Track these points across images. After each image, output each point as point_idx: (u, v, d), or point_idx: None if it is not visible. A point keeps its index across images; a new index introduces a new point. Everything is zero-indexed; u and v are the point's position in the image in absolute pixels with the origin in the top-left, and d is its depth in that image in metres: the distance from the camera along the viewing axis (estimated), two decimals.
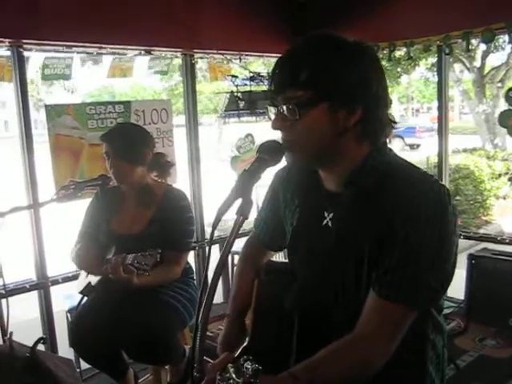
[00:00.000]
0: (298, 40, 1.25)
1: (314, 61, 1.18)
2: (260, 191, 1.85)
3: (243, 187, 1.13)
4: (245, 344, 1.40)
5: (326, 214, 1.32)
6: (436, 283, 1.18)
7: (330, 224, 1.31)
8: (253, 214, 1.26)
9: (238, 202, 1.13)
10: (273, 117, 1.26)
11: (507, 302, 3.49)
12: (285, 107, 1.20)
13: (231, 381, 1.00)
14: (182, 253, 2.51)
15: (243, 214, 1.10)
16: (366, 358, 1.17)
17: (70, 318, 3.55)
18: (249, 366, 1.02)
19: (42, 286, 3.47)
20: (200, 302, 1.06)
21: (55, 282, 3.52)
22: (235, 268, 1.63)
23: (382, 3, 3.97)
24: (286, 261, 1.47)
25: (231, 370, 1.03)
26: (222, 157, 18.95)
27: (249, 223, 1.28)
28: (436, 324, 1.33)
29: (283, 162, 1.28)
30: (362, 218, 1.23)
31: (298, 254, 1.40)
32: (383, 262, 1.18)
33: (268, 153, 1.21)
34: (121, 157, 2.44)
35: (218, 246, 4.97)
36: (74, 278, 3.54)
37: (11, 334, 1.18)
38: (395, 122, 1.31)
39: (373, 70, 1.23)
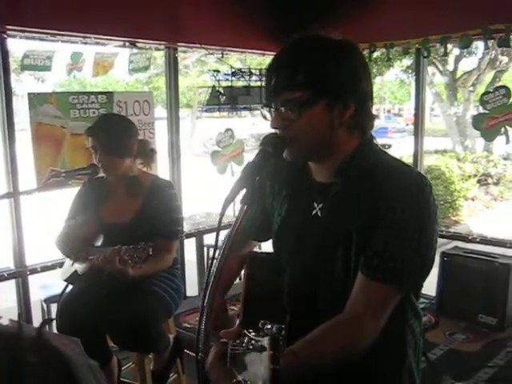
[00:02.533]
0: (289, 41, 1.31)
1: (309, 61, 1.24)
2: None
3: (247, 178, 1.18)
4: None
5: (315, 205, 1.38)
6: (420, 267, 1.26)
7: (319, 214, 1.37)
8: None
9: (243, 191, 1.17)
10: (268, 115, 1.32)
11: (477, 299, 3.61)
12: (283, 108, 1.26)
13: (252, 342, 0.97)
14: (171, 240, 2.55)
15: (247, 203, 1.15)
16: (356, 335, 1.23)
17: (46, 308, 3.56)
18: (270, 326, 1.02)
19: (20, 274, 3.46)
20: (206, 285, 1.11)
21: (34, 271, 3.51)
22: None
23: (365, 4, 4.04)
24: (269, 251, 1.52)
25: (250, 334, 1.00)
26: (195, 151, 18.99)
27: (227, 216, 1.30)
28: (415, 310, 1.41)
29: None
30: (349, 206, 1.29)
31: (286, 243, 1.45)
32: (370, 246, 1.25)
33: (271, 145, 1.25)
34: (109, 151, 2.46)
35: (194, 238, 5.06)
36: (53, 267, 3.54)
37: (20, 314, 1.20)
38: (376, 116, 1.40)
39: (361, 66, 1.30)
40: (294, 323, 1.27)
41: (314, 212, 1.38)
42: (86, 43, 3.58)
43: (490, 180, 10.11)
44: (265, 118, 1.33)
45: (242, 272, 1.59)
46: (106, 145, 2.45)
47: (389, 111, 35.57)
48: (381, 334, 1.24)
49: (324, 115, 1.25)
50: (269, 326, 0.97)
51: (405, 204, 1.23)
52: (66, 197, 2.79)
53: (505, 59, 11.33)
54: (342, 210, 1.31)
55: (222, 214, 1.14)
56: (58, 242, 2.53)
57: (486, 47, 3.94)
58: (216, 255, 1.14)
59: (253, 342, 0.95)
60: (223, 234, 1.20)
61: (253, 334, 0.97)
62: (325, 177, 1.37)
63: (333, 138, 1.29)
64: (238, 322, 1.46)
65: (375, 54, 4.74)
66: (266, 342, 0.91)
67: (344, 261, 1.30)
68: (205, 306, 1.10)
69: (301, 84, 1.23)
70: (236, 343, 1.00)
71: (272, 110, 1.30)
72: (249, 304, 1.39)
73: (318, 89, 1.23)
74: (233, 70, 4.70)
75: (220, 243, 1.16)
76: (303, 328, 1.23)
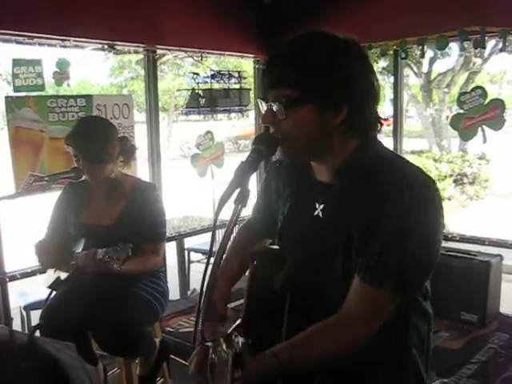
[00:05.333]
0: (289, 38, 1.30)
1: (302, 62, 1.24)
2: None
3: (241, 178, 1.18)
4: (237, 323, 1.44)
5: (317, 205, 1.38)
6: (418, 269, 1.24)
7: (320, 214, 1.37)
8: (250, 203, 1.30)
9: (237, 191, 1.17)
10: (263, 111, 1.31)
11: (458, 296, 3.66)
12: (274, 104, 1.26)
13: (222, 352, 1.03)
14: (158, 243, 2.54)
15: (241, 202, 1.15)
16: (345, 338, 1.23)
17: (25, 315, 3.50)
18: (238, 340, 1.06)
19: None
20: (202, 288, 1.10)
21: (13, 278, 3.44)
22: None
23: (342, 7, 4.07)
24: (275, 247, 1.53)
25: (222, 342, 1.06)
26: (171, 155, 18.89)
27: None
28: (421, 309, 1.39)
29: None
30: (350, 207, 1.28)
31: (288, 242, 1.46)
32: (369, 248, 1.23)
33: (264, 144, 1.25)
34: (91, 160, 2.44)
35: (174, 242, 5.03)
36: (33, 273, 3.48)
37: (11, 320, 1.17)
38: (382, 118, 1.37)
39: (359, 68, 1.27)
40: (292, 322, 1.28)
41: (316, 213, 1.38)
42: (64, 46, 3.53)
43: (465, 180, 10.25)
44: (262, 113, 1.33)
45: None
46: (88, 153, 2.43)
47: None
48: (379, 334, 1.24)
49: (312, 117, 1.25)
50: (237, 340, 1.02)
51: (406, 205, 1.20)
52: (45, 201, 2.75)
53: (478, 61, 11.51)
54: (343, 211, 1.31)
55: (217, 214, 1.14)
56: (38, 250, 2.50)
57: (462, 48, 4.00)
58: (212, 256, 1.13)
59: (222, 353, 1.01)
60: (207, 235, 1.21)
61: (224, 342, 1.03)
62: (325, 176, 1.37)
63: (325, 141, 1.29)
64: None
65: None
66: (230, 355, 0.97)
67: (344, 263, 1.29)
68: (201, 308, 1.09)
69: (291, 83, 1.23)
70: (214, 348, 1.05)
71: (266, 105, 1.30)
72: (250, 304, 1.40)
73: (307, 89, 1.23)
74: (212, 73, 4.69)
75: (202, 247, 1.16)
76: (300, 327, 1.23)
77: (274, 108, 1.26)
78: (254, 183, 4.93)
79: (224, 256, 1.64)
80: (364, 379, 1.33)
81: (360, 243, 1.25)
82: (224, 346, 1.04)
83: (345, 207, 1.30)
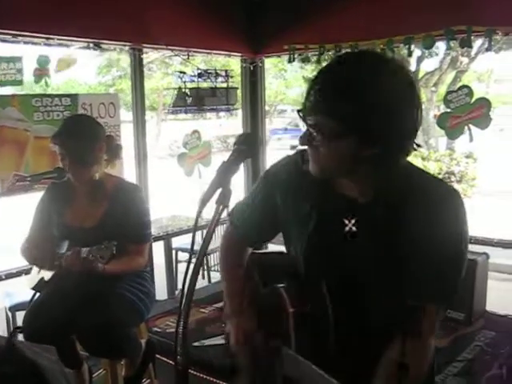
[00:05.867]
0: (343, 59, 1.28)
1: (355, 93, 1.16)
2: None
3: (222, 178, 1.17)
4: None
5: (346, 222, 1.36)
6: (459, 283, 1.31)
7: (354, 229, 1.35)
8: (232, 203, 1.29)
9: (218, 191, 1.16)
10: (302, 123, 1.27)
11: None
12: (315, 130, 1.22)
13: None
14: (142, 244, 2.52)
15: (223, 203, 1.14)
16: (425, 357, 1.33)
17: (10, 316, 3.47)
18: None
19: None
20: (183, 289, 1.09)
21: None
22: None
23: (330, 6, 4.07)
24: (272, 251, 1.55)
25: None
26: (160, 154, 18.84)
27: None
28: None
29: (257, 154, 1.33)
30: (392, 227, 1.27)
31: (320, 260, 1.41)
32: (419, 271, 1.27)
33: (245, 144, 1.25)
34: (77, 161, 2.41)
35: (162, 242, 5.01)
36: (18, 274, 3.45)
37: None
38: (419, 146, 1.32)
39: (409, 102, 1.21)
40: (339, 340, 1.33)
41: (347, 228, 1.36)
42: (49, 45, 3.50)
43: (453, 178, 10.32)
44: (304, 122, 1.27)
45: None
46: (75, 154, 2.40)
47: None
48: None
49: (349, 149, 1.21)
50: None
51: (446, 225, 1.25)
52: (29, 202, 2.72)
53: (465, 60, 11.60)
54: (382, 229, 1.29)
55: (199, 215, 1.13)
56: (23, 252, 2.48)
57: (448, 47, 4.02)
58: (193, 258, 1.12)
59: None
60: (197, 234, 1.20)
61: None
62: (354, 191, 1.33)
63: (357, 168, 1.26)
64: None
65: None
66: None
67: (391, 278, 1.30)
68: (182, 309, 1.08)
69: (338, 116, 1.18)
70: None
71: (305, 123, 1.25)
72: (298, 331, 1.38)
73: (353, 127, 1.18)
74: (199, 72, 4.67)
75: (195, 245, 1.15)
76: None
77: (315, 133, 1.22)
78: (241, 184, 4.97)
79: (224, 267, 1.66)
80: None
81: (406, 262, 1.27)
82: None
83: (385, 225, 1.29)
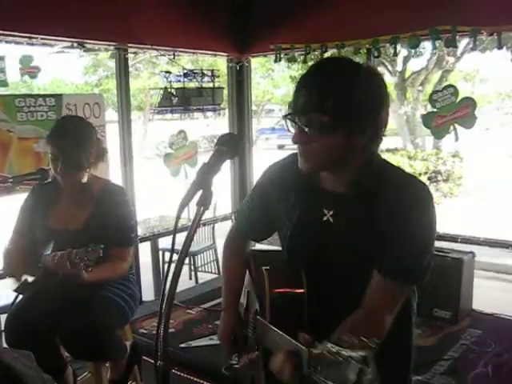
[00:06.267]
0: (321, 62, 1.48)
1: (340, 92, 1.31)
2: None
3: (203, 179, 1.17)
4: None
5: (325, 211, 1.47)
6: (427, 263, 1.40)
7: (330, 220, 1.46)
8: (212, 205, 1.29)
9: (199, 193, 1.15)
10: (290, 129, 1.38)
11: (431, 294, 3.65)
12: (307, 127, 1.33)
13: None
14: (126, 248, 2.48)
15: (204, 204, 1.14)
16: (375, 330, 1.30)
17: None
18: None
19: None
20: (163, 292, 1.07)
21: None
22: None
23: (316, 6, 4.07)
24: (270, 248, 1.65)
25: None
26: (147, 154, 18.77)
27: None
28: (415, 293, 1.60)
29: (240, 154, 1.36)
30: (366, 214, 1.39)
31: (299, 247, 1.52)
32: (387, 250, 1.36)
33: (226, 145, 1.25)
34: (71, 163, 2.38)
35: (148, 242, 4.99)
36: (1, 276, 3.40)
37: None
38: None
39: (384, 96, 1.39)
40: (312, 320, 1.40)
41: (325, 218, 1.47)
42: (32, 44, 3.46)
43: (439, 177, 10.39)
44: (288, 130, 1.40)
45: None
46: (69, 156, 2.36)
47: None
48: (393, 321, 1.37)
49: (342, 141, 1.33)
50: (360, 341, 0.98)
51: (416, 207, 1.35)
52: (14, 203, 2.68)
53: (451, 59, 11.67)
54: (356, 217, 1.40)
55: (178, 217, 1.12)
56: (5, 256, 2.44)
57: (434, 47, 4.03)
58: (173, 259, 1.11)
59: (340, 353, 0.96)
60: (179, 236, 1.19)
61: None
62: (334, 186, 1.45)
63: (346, 158, 1.38)
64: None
65: (326, 55, 4.77)
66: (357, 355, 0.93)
67: (364, 266, 1.39)
68: (162, 311, 1.06)
69: (326, 110, 1.29)
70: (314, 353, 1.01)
71: (295, 125, 1.36)
72: (274, 306, 1.45)
73: (341, 119, 1.30)
74: (185, 71, 4.65)
75: (176, 247, 1.14)
76: (321, 323, 1.33)
77: (307, 130, 1.33)
78: (228, 185, 4.96)
79: (225, 264, 1.78)
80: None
81: (378, 246, 1.37)
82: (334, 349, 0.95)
83: (360, 214, 1.40)
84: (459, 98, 3.79)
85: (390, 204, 1.35)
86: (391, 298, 1.39)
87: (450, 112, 3.80)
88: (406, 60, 12.32)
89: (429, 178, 10.01)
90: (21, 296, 2.44)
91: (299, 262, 1.51)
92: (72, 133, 2.42)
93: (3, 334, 2.35)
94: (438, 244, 4.04)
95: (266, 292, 1.45)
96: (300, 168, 1.40)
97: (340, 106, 1.29)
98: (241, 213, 1.73)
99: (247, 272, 1.69)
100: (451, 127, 3.82)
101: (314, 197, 1.48)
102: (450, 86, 3.97)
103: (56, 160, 2.38)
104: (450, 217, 8.49)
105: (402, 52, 11.35)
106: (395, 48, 4.02)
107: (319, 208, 1.48)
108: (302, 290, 1.45)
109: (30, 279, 2.33)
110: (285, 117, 1.39)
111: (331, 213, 1.46)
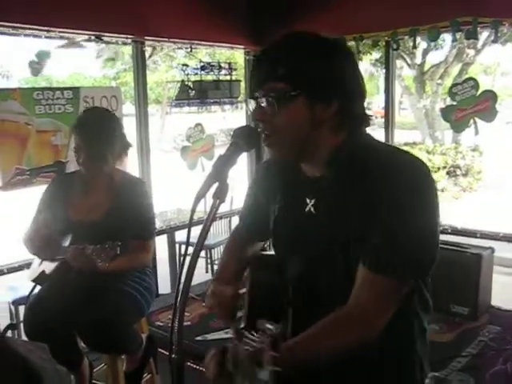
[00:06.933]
0: (276, 37, 1.30)
1: (292, 56, 1.24)
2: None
3: (219, 172, 1.15)
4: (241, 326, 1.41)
5: (307, 201, 1.36)
6: (422, 255, 1.23)
7: (312, 210, 1.35)
8: (228, 198, 1.27)
9: (215, 186, 1.14)
10: (252, 108, 1.31)
11: (449, 289, 3.62)
12: (264, 100, 1.25)
13: (250, 341, 0.96)
14: (147, 240, 2.50)
15: (220, 197, 1.12)
16: (361, 333, 1.21)
17: (13, 310, 3.47)
18: (270, 326, 0.97)
19: None
20: (178, 285, 1.07)
21: (0, 273, 3.41)
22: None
23: None
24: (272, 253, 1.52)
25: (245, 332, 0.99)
26: (164, 147, 18.84)
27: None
28: (423, 300, 1.39)
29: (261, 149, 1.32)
30: (344, 198, 1.27)
31: (283, 241, 1.44)
32: (370, 238, 1.22)
33: (242, 138, 1.22)
34: (94, 155, 2.38)
35: (165, 235, 5.00)
36: (20, 268, 3.44)
37: None
38: (369, 114, 1.36)
39: (347, 65, 1.28)
40: (296, 320, 1.29)
41: (308, 208, 1.36)
42: (50, 37, 3.48)
43: (458, 171, 10.27)
44: (251, 111, 1.32)
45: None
46: (92, 151, 2.37)
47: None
48: (388, 326, 1.22)
49: (304, 112, 1.24)
50: (269, 326, 0.93)
51: (402, 189, 1.19)
52: (34, 195, 2.70)
53: (471, 52, 11.51)
54: (336, 203, 1.29)
55: (193, 210, 1.11)
56: (25, 240, 2.45)
57: (454, 39, 3.97)
58: (188, 252, 1.10)
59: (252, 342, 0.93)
60: (195, 230, 1.17)
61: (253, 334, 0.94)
62: (313, 171, 1.36)
63: (315, 136, 1.28)
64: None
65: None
66: (265, 342, 0.88)
67: (344, 255, 1.27)
68: (177, 305, 1.06)
69: (281, 76, 1.23)
70: (236, 345, 0.97)
71: (255, 102, 1.29)
72: (253, 307, 1.38)
73: (297, 83, 1.23)
74: (202, 64, 4.65)
75: (192, 240, 1.13)
76: (306, 324, 1.22)
77: (264, 103, 1.25)
78: (245, 178, 4.95)
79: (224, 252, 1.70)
80: (370, 373, 1.30)
81: (360, 234, 1.23)
82: (250, 335, 0.95)
83: (338, 199, 1.29)
84: (480, 91, 3.73)
85: (375, 187, 1.21)
86: (378, 294, 1.21)
87: (470, 105, 3.74)
88: (425, 53, 12.18)
89: (448, 173, 9.91)
90: (38, 287, 2.46)
91: (283, 250, 1.44)
92: (95, 124, 2.41)
93: (21, 326, 2.36)
94: (456, 239, 4.05)
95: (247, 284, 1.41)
96: (271, 158, 1.32)
97: (293, 71, 1.22)
98: (243, 208, 1.67)
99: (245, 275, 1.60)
100: (471, 121, 3.76)
101: (297, 187, 1.39)
102: (471, 78, 3.91)
103: (79, 151, 2.39)
104: (469, 212, 8.42)
105: (421, 45, 11.22)
106: (414, 40, 3.97)
107: (302, 198, 1.37)
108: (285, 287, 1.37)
109: (48, 270, 2.35)
110: (247, 100, 1.34)
111: (313, 202, 1.35)
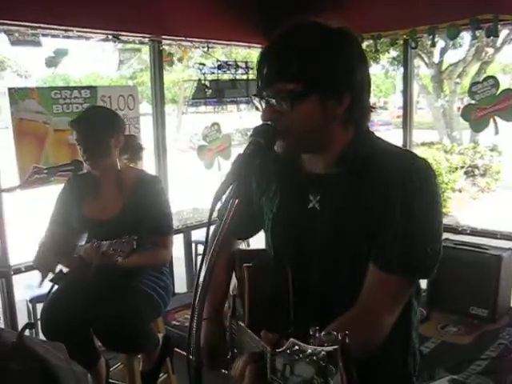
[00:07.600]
0: (282, 30, 1.24)
1: (303, 52, 1.19)
2: None
3: (238, 171, 1.12)
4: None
5: (310, 197, 1.33)
6: (433, 254, 1.22)
7: (317, 206, 1.32)
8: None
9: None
10: (259, 106, 1.27)
11: (468, 291, 3.59)
12: (275, 100, 1.21)
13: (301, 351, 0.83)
14: (166, 236, 2.51)
15: (239, 196, 1.10)
16: (374, 333, 1.19)
17: (31, 308, 3.49)
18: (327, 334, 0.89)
19: (4, 274, 3.37)
20: (196, 285, 1.05)
21: (18, 271, 3.42)
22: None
23: None
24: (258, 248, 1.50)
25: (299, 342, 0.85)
26: (181, 147, 18.89)
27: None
28: (418, 290, 1.41)
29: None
30: (355, 196, 1.25)
31: (283, 239, 1.41)
32: (381, 237, 1.21)
33: (263, 136, 1.19)
34: (90, 148, 2.41)
35: (181, 235, 5.00)
36: None
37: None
38: (374, 108, 1.36)
39: (357, 57, 1.25)
40: (300, 319, 1.24)
41: (311, 205, 1.33)
42: (68, 37, 3.49)
43: (476, 171, 10.15)
44: (257, 109, 1.28)
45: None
46: (88, 140, 2.39)
47: (374, 104, 35.95)
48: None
49: (317, 109, 1.21)
50: (325, 334, 0.84)
51: (413, 189, 1.20)
52: (51, 194, 2.71)
53: (490, 51, 11.37)
54: (347, 200, 1.26)
55: (213, 210, 1.08)
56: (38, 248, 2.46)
57: (474, 37, 3.92)
58: (206, 251, 1.08)
59: (304, 351, 0.83)
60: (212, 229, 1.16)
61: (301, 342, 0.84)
62: (319, 168, 1.32)
63: (326, 131, 1.25)
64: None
65: (362, 46, 4.70)
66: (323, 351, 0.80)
67: (350, 253, 1.26)
68: (196, 305, 1.04)
69: (293, 76, 1.18)
70: (276, 352, 0.90)
71: (263, 100, 1.24)
72: (254, 305, 1.31)
73: (311, 82, 1.18)
74: (219, 63, 4.64)
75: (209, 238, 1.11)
76: (309, 325, 1.18)
77: (275, 103, 1.21)
78: None
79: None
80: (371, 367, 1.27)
81: (371, 232, 1.23)
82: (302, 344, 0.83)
83: (349, 197, 1.26)
84: (500, 90, 3.68)
85: (386, 187, 1.20)
86: (390, 294, 1.21)
87: (490, 104, 3.69)
88: (443, 51, 12.05)
89: (465, 173, 9.80)
90: (56, 286, 2.47)
91: (284, 255, 1.38)
92: (89, 118, 2.46)
93: (39, 325, 2.37)
94: (475, 240, 3.99)
95: (245, 291, 1.32)
96: (279, 153, 1.25)
97: (305, 70, 1.17)
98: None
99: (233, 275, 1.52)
100: (491, 120, 3.70)
101: (298, 181, 1.35)
102: (491, 77, 3.85)
103: (79, 145, 2.43)
104: (489, 212, 8.32)
105: (440, 43, 11.12)
106: (433, 39, 3.92)
107: (304, 194, 1.34)
108: (287, 287, 1.30)
109: (65, 270, 2.36)
110: (251, 96, 1.27)
111: (318, 198, 1.32)
